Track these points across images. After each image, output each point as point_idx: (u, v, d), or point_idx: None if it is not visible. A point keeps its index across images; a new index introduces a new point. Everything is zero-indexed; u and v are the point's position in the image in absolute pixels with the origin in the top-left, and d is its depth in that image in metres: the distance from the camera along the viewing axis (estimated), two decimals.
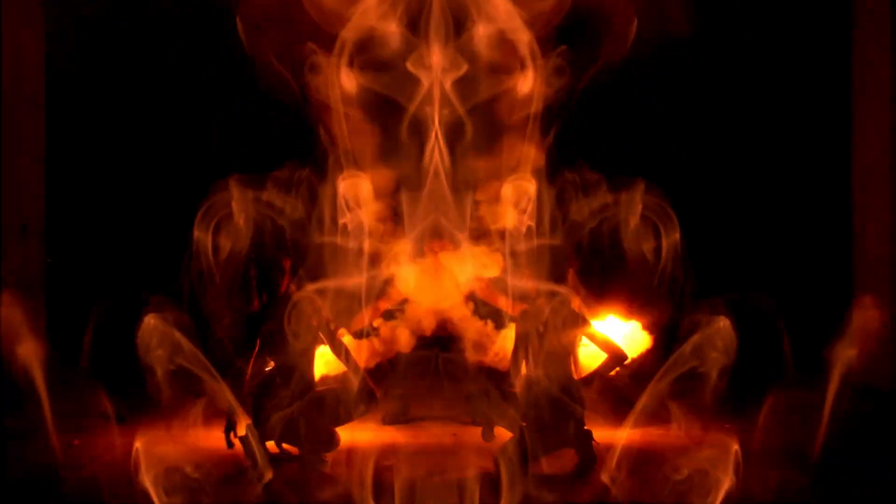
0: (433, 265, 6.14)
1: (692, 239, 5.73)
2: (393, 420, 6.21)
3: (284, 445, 5.25)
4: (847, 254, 7.46)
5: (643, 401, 4.99)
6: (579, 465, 5.06)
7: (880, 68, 7.38)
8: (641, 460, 5.12)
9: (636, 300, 6.51)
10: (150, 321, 4.94)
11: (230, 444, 5.09)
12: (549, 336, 5.05)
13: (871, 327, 5.78)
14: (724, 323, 5.00)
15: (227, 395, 4.96)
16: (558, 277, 5.78)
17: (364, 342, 6.05)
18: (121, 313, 5.14)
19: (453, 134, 5.80)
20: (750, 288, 5.36)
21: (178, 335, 4.93)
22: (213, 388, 4.95)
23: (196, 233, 5.83)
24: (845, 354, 5.31)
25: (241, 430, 5.10)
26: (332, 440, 5.25)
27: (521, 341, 5.14)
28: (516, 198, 5.90)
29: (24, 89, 7.46)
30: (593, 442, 5.08)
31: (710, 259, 5.70)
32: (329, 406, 5.31)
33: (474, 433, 5.78)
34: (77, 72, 7.92)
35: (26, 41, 7.47)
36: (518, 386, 5.11)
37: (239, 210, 5.83)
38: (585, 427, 5.09)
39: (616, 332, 6.44)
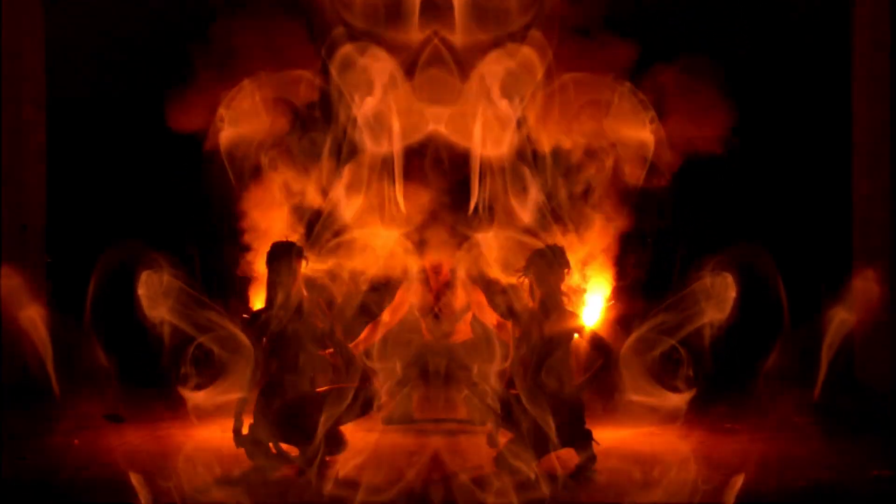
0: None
1: (695, 209, 5.71)
2: (394, 421, 6.22)
3: (283, 445, 5.24)
4: (847, 221, 7.46)
5: (632, 341, 5.01)
6: (579, 465, 5.05)
7: (881, 24, 7.36)
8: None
9: None
10: (146, 276, 5.02)
11: (238, 444, 5.09)
12: (546, 335, 5.04)
13: (870, 295, 5.83)
14: (725, 278, 5.01)
15: (243, 340, 4.98)
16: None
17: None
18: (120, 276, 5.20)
19: None
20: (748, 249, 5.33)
21: (178, 283, 5.00)
22: (223, 331, 5.00)
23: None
24: (842, 317, 5.35)
25: (245, 430, 5.10)
26: (341, 442, 5.24)
27: (521, 342, 5.13)
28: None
29: (24, 89, 7.47)
30: (593, 442, 5.08)
31: (711, 227, 5.69)
32: (330, 406, 5.30)
33: (474, 434, 5.79)
34: (77, 72, 7.93)
35: (26, 41, 7.48)
36: (518, 387, 5.10)
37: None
38: (585, 427, 5.09)
39: None
